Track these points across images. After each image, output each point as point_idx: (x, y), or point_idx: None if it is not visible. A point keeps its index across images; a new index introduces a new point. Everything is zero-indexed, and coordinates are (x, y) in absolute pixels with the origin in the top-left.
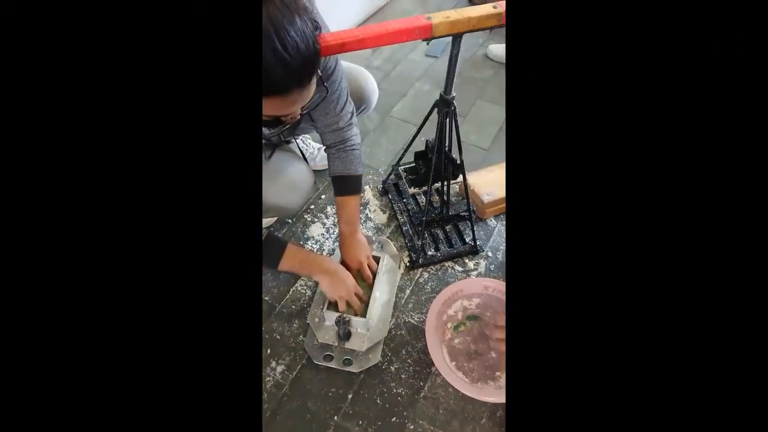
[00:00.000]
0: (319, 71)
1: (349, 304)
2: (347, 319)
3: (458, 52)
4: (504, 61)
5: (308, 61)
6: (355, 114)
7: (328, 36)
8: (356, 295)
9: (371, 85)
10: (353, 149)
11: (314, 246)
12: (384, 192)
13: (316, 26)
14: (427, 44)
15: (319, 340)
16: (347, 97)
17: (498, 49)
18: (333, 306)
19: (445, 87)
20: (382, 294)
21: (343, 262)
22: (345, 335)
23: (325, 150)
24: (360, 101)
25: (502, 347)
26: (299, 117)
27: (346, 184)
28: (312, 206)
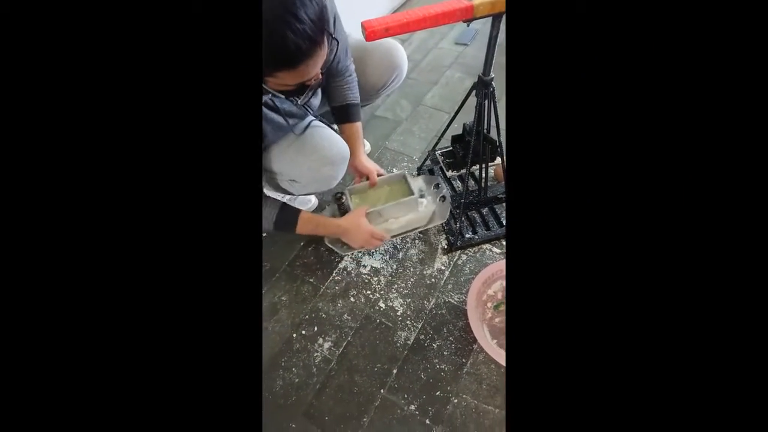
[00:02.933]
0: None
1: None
2: (339, 195)
3: (497, 33)
4: None
5: (319, 24)
6: (349, 50)
7: (374, 21)
8: (374, 237)
9: (401, 54)
10: (351, 75)
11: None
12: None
13: None
14: (468, 25)
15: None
16: (345, 36)
17: None
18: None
19: (483, 68)
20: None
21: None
22: (343, 213)
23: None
24: (392, 70)
25: None
26: (321, 76)
27: (348, 113)
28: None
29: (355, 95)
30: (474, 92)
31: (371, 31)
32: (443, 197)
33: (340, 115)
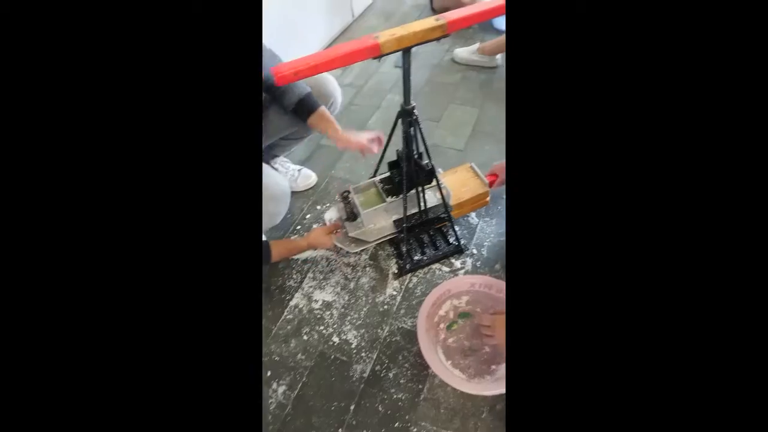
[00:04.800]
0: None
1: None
2: (345, 194)
3: (410, 66)
4: (469, 63)
5: None
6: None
7: (283, 66)
8: (329, 233)
9: (332, 84)
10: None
11: (306, 265)
12: None
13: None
14: (378, 61)
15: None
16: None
17: (463, 53)
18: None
19: (404, 98)
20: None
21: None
22: (350, 215)
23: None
24: (325, 100)
25: (491, 341)
26: None
27: (306, 105)
28: (299, 226)
29: (301, 89)
30: (400, 120)
31: (281, 77)
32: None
33: (301, 111)
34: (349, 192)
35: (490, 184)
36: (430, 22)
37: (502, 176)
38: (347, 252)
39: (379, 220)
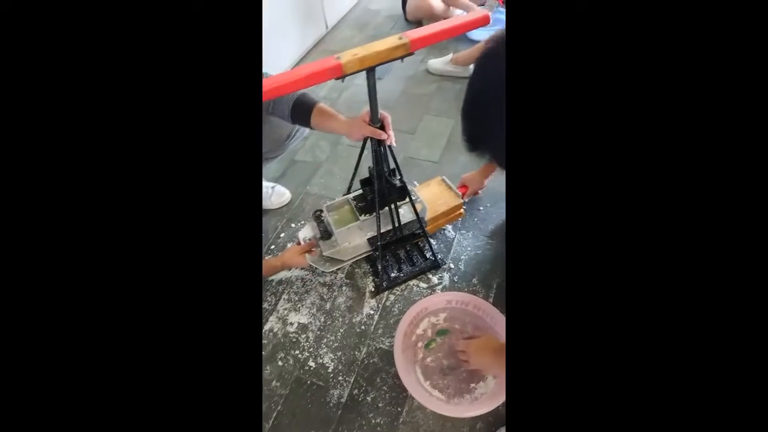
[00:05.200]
0: None
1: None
2: (318, 213)
3: (375, 84)
4: (443, 73)
5: None
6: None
7: None
8: (304, 252)
9: None
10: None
11: (280, 287)
12: None
13: None
14: (342, 81)
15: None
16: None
17: (437, 63)
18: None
19: (371, 116)
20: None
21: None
22: (324, 234)
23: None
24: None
25: (467, 366)
26: None
27: (303, 105)
28: (273, 246)
29: (290, 95)
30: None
31: None
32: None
33: (298, 116)
34: (321, 211)
35: (462, 196)
36: (393, 41)
37: (473, 187)
38: (323, 271)
39: (354, 238)
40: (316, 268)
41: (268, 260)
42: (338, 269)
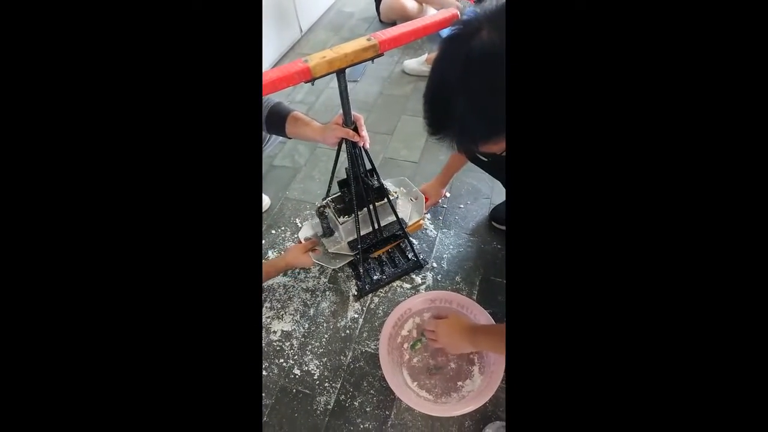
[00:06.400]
0: None
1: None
2: (322, 209)
3: (346, 86)
4: (419, 74)
5: None
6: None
7: None
8: (307, 251)
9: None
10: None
11: (263, 294)
12: None
13: None
14: (311, 84)
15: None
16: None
17: (412, 63)
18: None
19: (344, 119)
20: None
21: None
22: (327, 231)
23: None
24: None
25: (435, 345)
26: None
27: (278, 117)
28: None
29: (267, 102)
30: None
31: None
32: (416, 197)
33: (274, 125)
34: (325, 207)
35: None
36: (362, 42)
37: (433, 199)
38: (305, 276)
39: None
40: (322, 266)
41: (271, 261)
42: (322, 273)
